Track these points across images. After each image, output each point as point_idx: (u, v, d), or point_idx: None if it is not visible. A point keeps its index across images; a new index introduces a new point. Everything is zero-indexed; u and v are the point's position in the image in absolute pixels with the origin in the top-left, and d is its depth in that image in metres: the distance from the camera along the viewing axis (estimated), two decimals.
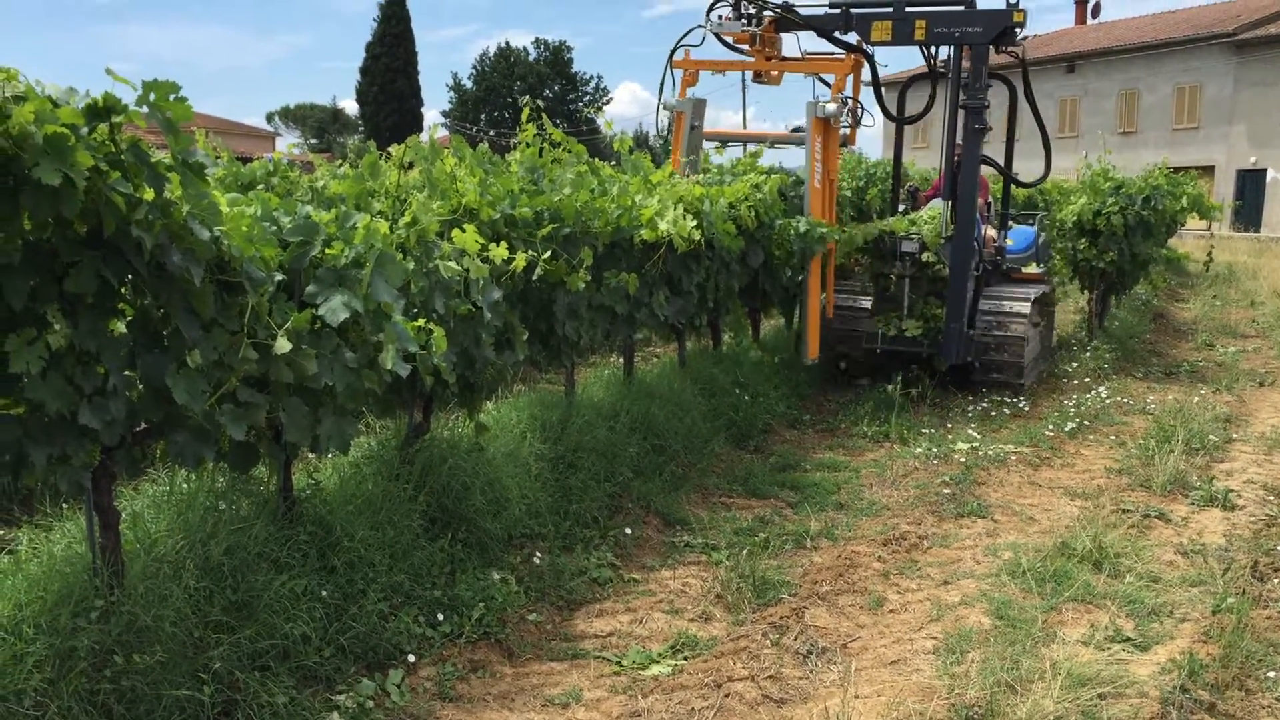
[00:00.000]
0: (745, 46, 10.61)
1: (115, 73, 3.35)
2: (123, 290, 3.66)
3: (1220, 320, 16.62)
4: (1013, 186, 11.98)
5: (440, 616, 4.77)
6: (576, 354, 7.18)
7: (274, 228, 4.46)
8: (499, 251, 5.48)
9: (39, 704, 3.40)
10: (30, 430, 3.42)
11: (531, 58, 79.07)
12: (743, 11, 10.43)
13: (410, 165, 6.02)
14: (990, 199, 12.51)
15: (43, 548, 4.25)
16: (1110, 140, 33.92)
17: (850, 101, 10.44)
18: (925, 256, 10.61)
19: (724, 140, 11.33)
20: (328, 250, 4.54)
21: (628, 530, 6.41)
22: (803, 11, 10.58)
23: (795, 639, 5.03)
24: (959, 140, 10.47)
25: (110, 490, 4.01)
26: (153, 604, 3.87)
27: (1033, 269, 12.58)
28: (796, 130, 10.46)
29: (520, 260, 5.63)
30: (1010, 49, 10.28)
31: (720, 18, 10.46)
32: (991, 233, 11.72)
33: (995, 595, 5.54)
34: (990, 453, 8.63)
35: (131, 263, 3.49)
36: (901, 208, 12.59)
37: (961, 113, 10.34)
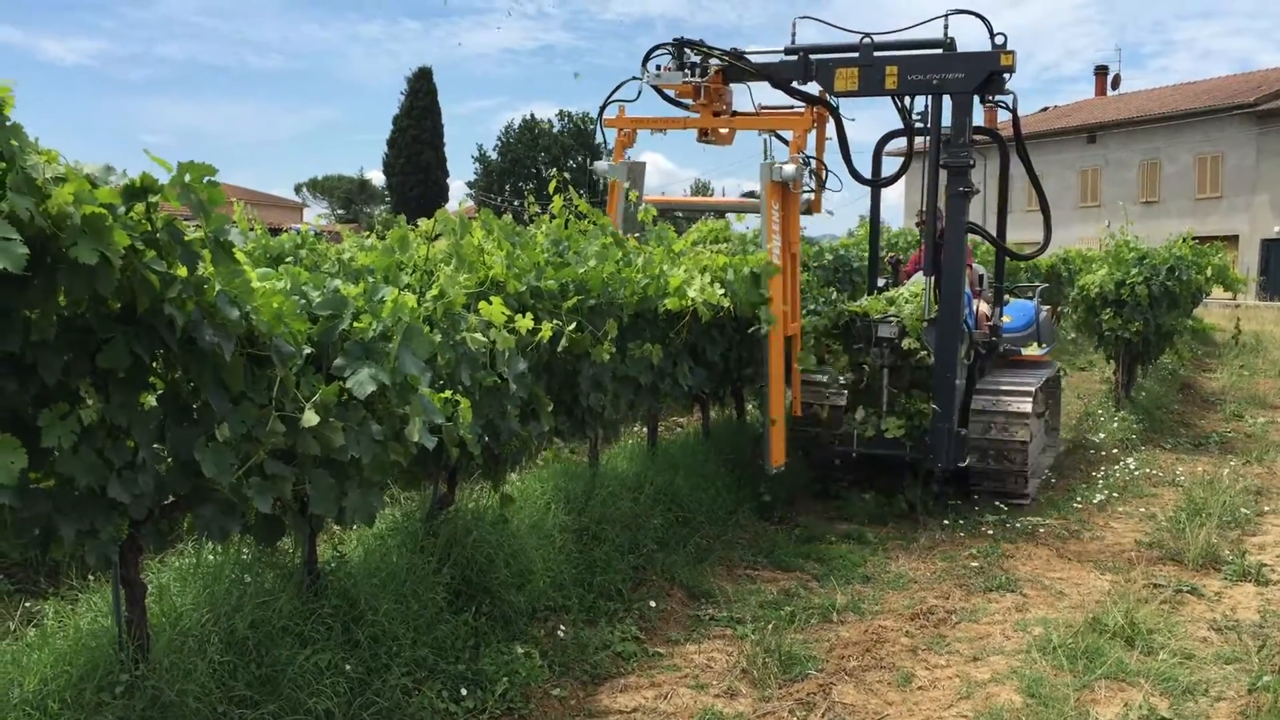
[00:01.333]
0: (689, 100, 8.99)
1: (151, 152, 3.43)
2: (154, 365, 3.71)
3: (1248, 390, 16.46)
4: (1008, 259, 10.35)
5: (464, 692, 4.73)
6: (601, 425, 7.18)
7: (303, 301, 4.52)
8: (524, 322, 5.52)
9: None
10: (60, 504, 3.44)
11: (556, 129, 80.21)
12: (685, 61, 8.76)
13: (438, 237, 6.10)
14: (979, 270, 10.99)
15: (69, 621, 4.26)
16: (1132, 210, 34.07)
17: (814, 162, 8.86)
18: (906, 343, 8.90)
19: (669, 210, 9.94)
20: (356, 324, 4.59)
21: (652, 603, 6.36)
22: (754, 59, 8.90)
23: (823, 716, 4.95)
24: (941, 206, 8.93)
25: (137, 564, 4.02)
26: (177, 679, 3.86)
27: (1034, 350, 11.26)
28: (750, 195, 9.92)
29: (546, 331, 5.67)
30: (997, 99, 8.91)
31: (659, 68, 8.81)
32: (985, 309, 10.14)
33: (1026, 672, 5.44)
34: (1018, 525, 8.54)
35: (163, 338, 3.54)
36: (881, 282, 11.06)
37: (943, 173, 8.73)
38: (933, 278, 8.86)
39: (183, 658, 3.95)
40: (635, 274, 7.16)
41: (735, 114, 9.11)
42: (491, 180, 79.13)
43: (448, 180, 67.72)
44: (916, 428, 8.95)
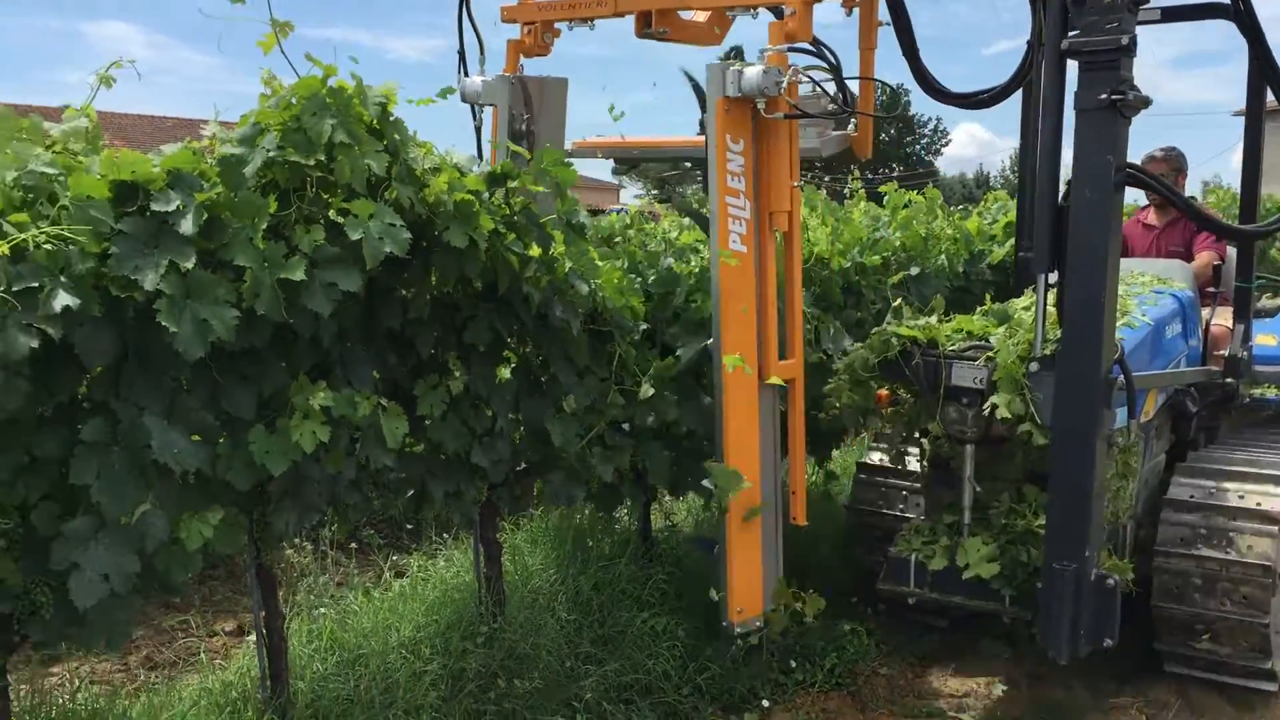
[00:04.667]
0: None
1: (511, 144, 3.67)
2: (509, 340, 3.98)
3: None
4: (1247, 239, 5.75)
5: (793, 664, 4.79)
6: None
7: (639, 279, 4.71)
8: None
9: None
10: (431, 467, 3.77)
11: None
12: None
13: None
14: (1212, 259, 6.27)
15: (433, 575, 4.65)
16: None
17: (830, 61, 4.46)
18: (1000, 405, 4.16)
19: (613, 155, 5.95)
20: (689, 300, 4.74)
21: None
22: None
23: None
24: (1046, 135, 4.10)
25: (494, 525, 4.34)
26: (530, 633, 4.14)
27: None
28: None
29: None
30: None
31: None
32: (1224, 324, 5.87)
33: None
34: None
35: (520, 315, 3.80)
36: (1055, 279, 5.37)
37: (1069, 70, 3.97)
38: (1046, 275, 4.03)
39: (535, 613, 4.24)
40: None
41: None
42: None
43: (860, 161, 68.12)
44: (1022, 567, 4.49)
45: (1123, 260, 5.08)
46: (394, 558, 5.48)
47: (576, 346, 4.06)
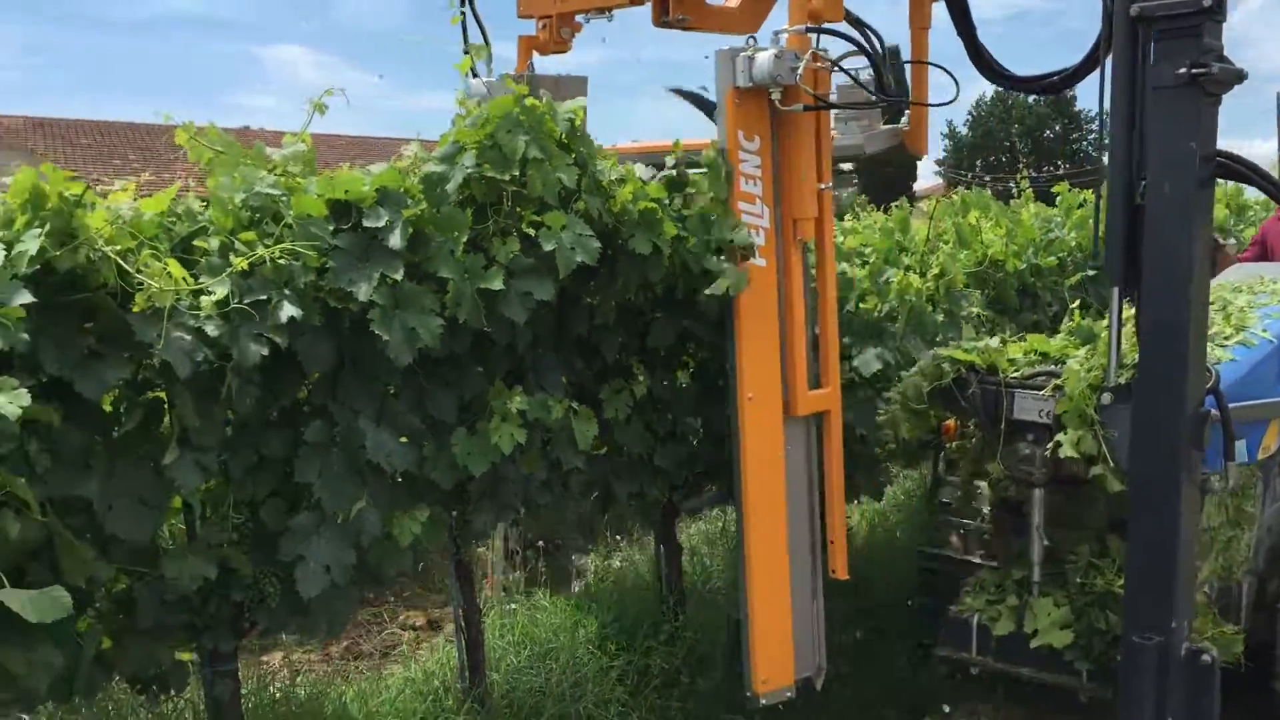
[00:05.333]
0: None
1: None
2: (688, 345, 4.07)
3: None
4: None
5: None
6: None
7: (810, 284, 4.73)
8: None
9: (622, 714, 3.83)
10: (615, 469, 3.89)
11: (1031, 99, 76.39)
12: None
13: (931, 218, 6.11)
14: None
15: (613, 575, 4.78)
16: None
17: (870, 45, 3.85)
18: (1066, 443, 3.51)
19: (645, 161, 4.16)
20: (861, 304, 4.74)
21: None
22: None
23: None
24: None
25: (674, 526, 4.44)
26: (710, 632, 4.21)
27: None
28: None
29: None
30: None
31: None
32: None
33: None
34: None
35: (698, 320, 3.88)
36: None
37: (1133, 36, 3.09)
38: (1120, 288, 3.25)
39: (714, 614, 4.31)
40: None
41: None
42: (961, 157, 77.03)
43: (916, 160, 66.75)
44: (1101, 635, 3.72)
45: (1261, 265, 4.82)
46: (574, 557, 5.64)
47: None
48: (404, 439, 3.02)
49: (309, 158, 3.11)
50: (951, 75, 3.85)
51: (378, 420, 2.96)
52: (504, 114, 3.14)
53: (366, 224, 2.87)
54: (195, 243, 2.69)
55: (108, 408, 2.65)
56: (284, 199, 2.83)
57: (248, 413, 2.77)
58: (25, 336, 2.25)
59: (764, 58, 3.42)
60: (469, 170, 3.08)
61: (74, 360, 2.41)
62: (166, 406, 2.67)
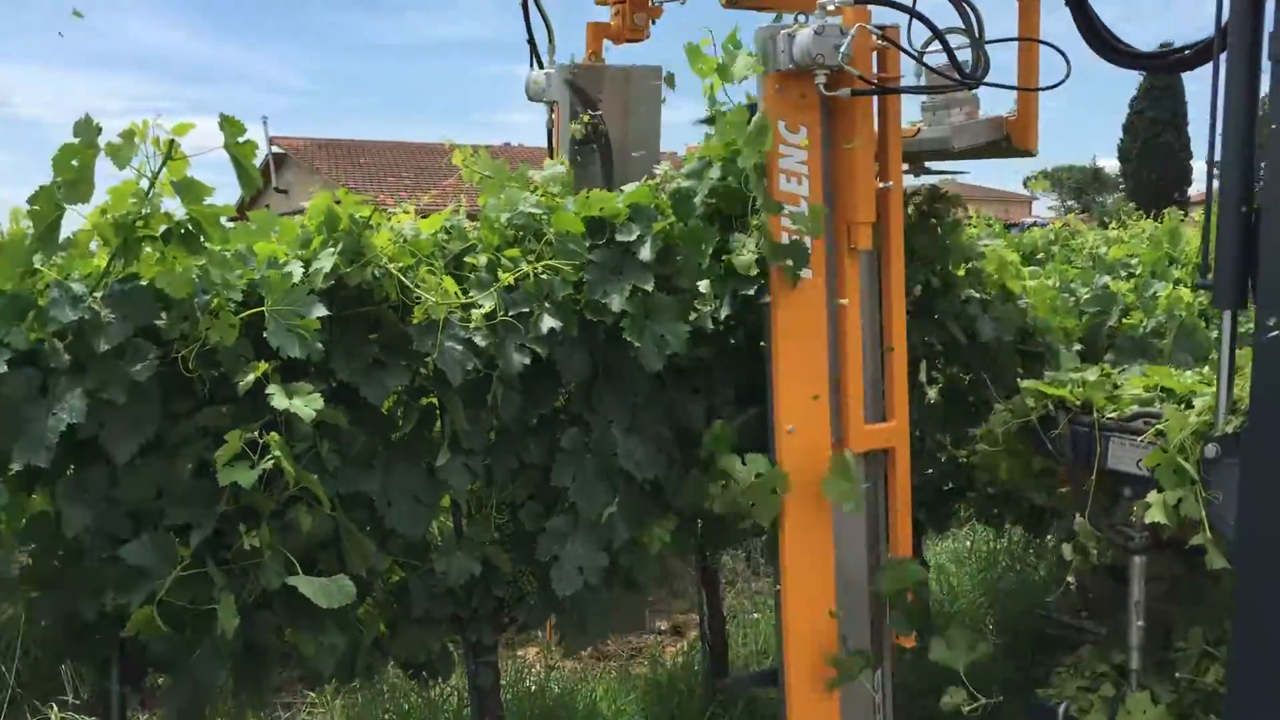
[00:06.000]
0: None
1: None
2: (936, 360, 4.01)
3: None
4: None
5: None
6: None
7: (1071, 298, 4.56)
8: None
9: None
10: None
11: None
12: None
13: None
14: None
15: None
16: None
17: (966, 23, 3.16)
18: (1156, 504, 2.79)
19: None
20: (1124, 320, 4.53)
21: None
22: None
23: None
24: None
25: (921, 543, 4.36)
26: (960, 653, 4.10)
27: None
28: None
29: None
30: None
31: None
32: None
33: None
34: None
35: (949, 330, 3.81)
36: None
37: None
38: (1234, 315, 2.66)
39: (960, 634, 4.19)
40: None
41: None
42: None
43: (1190, 162, 62.46)
44: None
45: None
46: None
47: (1006, 366, 4.00)
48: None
49: (567, 179, 3.29)
50: (1062, 54, 3.12)
51: (628, 429, 3.07)
52: (740, 126, 3.20)
53: (619, 238, 3.00)
54: (466, 259, 2.89)
55: (386, 412, 2.88)
56: (545, 217, 3.00)
57: (510, 419, 2.94)
58: (320, 346, 2.49)
59: (804, 35, 2.85)
60: (714, 182, 3.16)
61: (360, 368, 2.65)
62: (439, 412, 2.88)
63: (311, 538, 2.57)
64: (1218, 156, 2.62)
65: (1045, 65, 3.41)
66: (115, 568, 2.44)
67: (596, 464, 3.02)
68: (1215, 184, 2.69)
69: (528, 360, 2.78)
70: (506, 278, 2.78)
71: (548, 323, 2.82)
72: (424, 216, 2.94)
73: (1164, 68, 3.47)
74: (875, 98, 3.04)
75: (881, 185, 3.10)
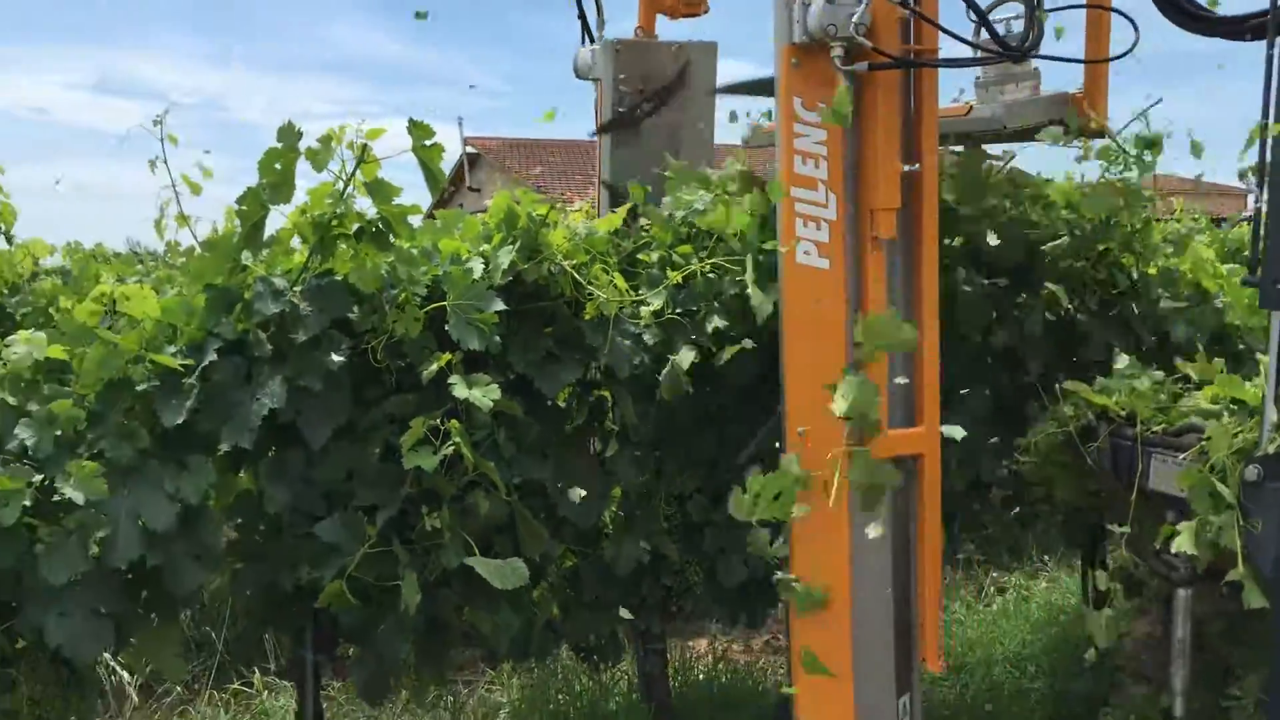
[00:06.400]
0: None
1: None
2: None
3: None
4: None
5: None
6: None
7: None
8: None
9: None
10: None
11: None
12: None
13: None
14: None
15: (1036, 595, 4.62)
16: None
17: None
18: (1185, 532, 2.51)
19: None
20: None
21: None
22: None
23: None
24: None
25: (1103, 549, 4.21)
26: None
27: None
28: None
29: None
30: None
31: None
32: None
33: None
34: None
35: (1136, 333, 3.67)
36: None
37: None
38: None
39: None
40: None
41: None
42: None
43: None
44: None
45: None
46: (993, 574, 5.50)
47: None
48: None
49: (743, 179, 3.32)
50: (1130, 20, 2.78)
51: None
52: None
53: None
54: (639, 256, 2.97)
55: (559, 403, 2.99)
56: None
57: (682, 414, 3.00)
58: (498, 339, 2.61)
59: (818, 3, 2.55)
60: None
61: (535, 361, 2.75)
62: (609, 405, 2.97)
63: (488, 521, 2.69)
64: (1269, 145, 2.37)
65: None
66: (310, 543, 2.61)
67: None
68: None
69: (695, 356, 2.83)
70: (675, 276, 2.84)
71: (714, 321, 2.86)
72: None
73: (1244, 34, 2.94)
74: (908, 71, 2.72)
75: (907, 168, 2.74)
